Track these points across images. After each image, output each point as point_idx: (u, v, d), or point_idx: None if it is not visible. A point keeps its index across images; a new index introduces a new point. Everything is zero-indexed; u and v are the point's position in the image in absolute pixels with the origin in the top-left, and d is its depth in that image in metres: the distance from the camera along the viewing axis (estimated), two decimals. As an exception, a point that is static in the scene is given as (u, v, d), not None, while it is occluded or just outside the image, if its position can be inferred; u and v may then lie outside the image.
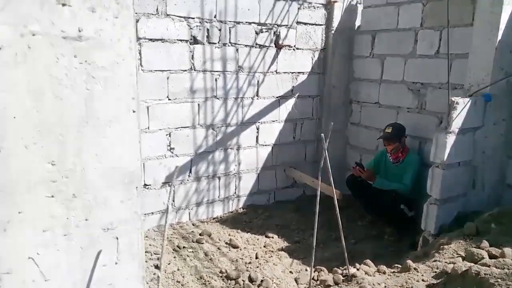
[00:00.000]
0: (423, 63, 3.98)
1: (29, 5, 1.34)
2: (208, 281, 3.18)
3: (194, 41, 3.84)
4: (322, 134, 2.17)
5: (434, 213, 3.21)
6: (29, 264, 1.53)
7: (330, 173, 2.35)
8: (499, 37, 3.03)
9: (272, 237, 4.06)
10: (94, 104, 1.52)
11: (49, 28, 1.38)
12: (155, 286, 2.97)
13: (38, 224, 1.54)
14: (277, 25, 4.27)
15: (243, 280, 3.13)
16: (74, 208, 1.60)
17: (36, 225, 1.53)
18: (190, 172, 4.18)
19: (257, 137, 4.50)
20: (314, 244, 2.56)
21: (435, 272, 2.65)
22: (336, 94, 4.78)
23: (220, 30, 3.95)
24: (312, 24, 4.52)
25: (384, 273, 2.86)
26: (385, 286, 2.63)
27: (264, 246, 3.90)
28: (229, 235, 4.03)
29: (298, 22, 4.41)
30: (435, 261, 2.78)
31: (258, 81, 4.33)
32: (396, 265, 2.96)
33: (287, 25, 4.34)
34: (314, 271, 3.45)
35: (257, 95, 4.36)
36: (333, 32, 4.58)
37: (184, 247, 3.75)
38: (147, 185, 3.90)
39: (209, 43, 3.92)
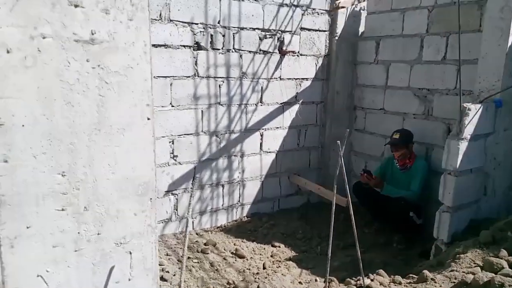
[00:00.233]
0: (429, 69, 3.93)
1: (40, 6, 1.26)
2: (216, 293, 3.08)
3: (198, 47, 3.77)
4: (338, 142, 2.10)
5: (446, 221, 3.14)
6: (38, 282, 1.43)
7: (346, 181, 2.27)
8: (510, 43, 2.99)
9: (279, 246, 3.97)
10: (107, 111, 1.44)
11: (61, 31, 1.29)
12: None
13: (48, 240, 1.44)
14: (281, 31, 4.21)
15: (252, 292, 3.04)
16: (86, 221, 1.50)
17: (45, 241, 1.43)
18: (194, 180, 4.08)
19: (261, 144, 4.42)
20: (330, 254, 2.46)
21: (453, 282, 2.57)
22: (340, 101, 4.72)
23: (224, 36, 3.88)
24: (316, 30, 4.47)
25: (400, 284, 2.77)
26: (402, 298, 2.55)
27: (271, 256, 3.81)
28: (234, 244, 3.94)
29: (302, 28, 4.36)
30: (452, 271, 2.70)
31: (262, 88, 4.26)
32: (411, 275, 2.87)
33: (291, 31, 4.29)
34: (324, 281, 3.36)
35: (261, 102, 4.29)
36: (336, 38, 4.53)
37: (189, 257, 3.66)
38: (150, 194, 3.79)
39: (213, 49, 3.86)
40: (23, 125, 1.31)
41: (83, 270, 1.52)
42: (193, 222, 4.18)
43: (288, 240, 4.13)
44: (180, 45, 3.67)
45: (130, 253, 1.64)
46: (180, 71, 3.72)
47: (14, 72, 1.26)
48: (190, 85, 3.82)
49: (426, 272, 2.72)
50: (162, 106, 3.70)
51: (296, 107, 4.55)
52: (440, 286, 2.58)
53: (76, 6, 1.30)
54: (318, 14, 4.42)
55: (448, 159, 3.04)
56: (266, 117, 4.35)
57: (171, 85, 3.72)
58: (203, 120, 3.99)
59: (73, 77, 1.35)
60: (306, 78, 4.55)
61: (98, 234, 1.54)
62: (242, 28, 3.98)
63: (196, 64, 3.80)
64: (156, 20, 3.48)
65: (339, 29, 4.51)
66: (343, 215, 4.51)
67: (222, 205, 4.33)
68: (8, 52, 1.22)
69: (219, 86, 3.99)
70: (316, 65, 4.57)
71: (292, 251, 3.93)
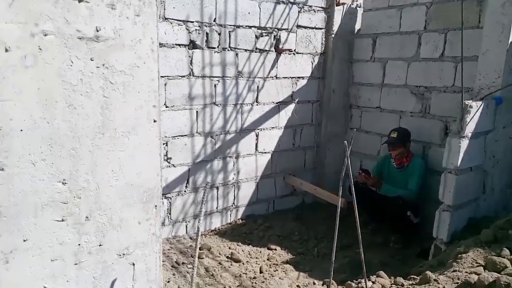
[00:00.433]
0: (427, 67, 3.91)
1: (41, 1, 1.16)
2: (212, 299, 3.00)
3: (193, 45, 3.66)
4: (346, 142, 2.03)
5: (446, 220, 3.11)
6: (38, 299, 1.33)
7: (352, 182, 2.21)
8: (511, 39, 2.97)
9: (275, 249, 3.90)
10: (111, 113, 1.34)
11: (63, 27, 1.19)
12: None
13: (46, 253, 1.34)
14: (277, 29, 4.14)
15: (250, 297, 2.96)
16: (87, 232, 1.41)
17: (43, 254, 1.34)
18: (188, 182, 3.98)
19: (256, 144, 4.34)
20: (333, 258, 2.40)
21: (457, 283, 2.53)
22: (336, 99, 4.67)
23: (219, 34, 3.79)
24: (312, 28, 4.40)
25: (402, 285, 2.73)
26: (407, 301, 2.50)
27: (268, 259, 3.74)
28: (229, 248, 3.85)
29: (298, 26, 4.29)
30: (454, 271, 2.67)
31: (258, 87, 4.18)
32: (413, 276, 2.84)
33: (287, 29, 4.21)
34: (323, 285, 3.31)
35: (256, 101, 4.21)
36: (333, 36, 4.48)
37: (183, 263, 3.56)
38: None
39: (208, 47, 3.76)
40: (21, 130, 1.21)
41: (84, 285, 1.43)
42: (186, 226, 4.08)
43: (284, 242, 4.06)
44: (175, 44, 3.56)
45: (133, 264, 1.55)
46: (175, 70, 3.62)
47: (13, 72, 1.15)
48: (185, 85, 3.72)
49: (428, 273, 2.68)
50: (156, 106, 3.58)
51: (292, 106, 4.48)
52: (444, 287, 2.55)
53: (80, 0, 1.21)
54: (315, 11, 4.36)
55: (449, 157, 3.01)
56: (261, 117, 4.27)
57: (165, 85, 3.61)
58: (198, 120, 3.89)
59: (76, 77, 1.25)
60: (302, 77, 4.48)
61: (100, 245, 1.45)
62: (238, 26, 3.89)
63: (191, 63, 3.70)
64: (149, 17, 3.37)
65: (335, 27, 4.46)
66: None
67: (217, 207, 4.23)
68: (6, 50, 1.12)
69: (215, 85, 3.90)
70: (312, 63, 4.51)
71: (289, 254, 3.86)
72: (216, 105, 3.96)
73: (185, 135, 3.84)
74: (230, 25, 3.83)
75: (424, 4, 3.87)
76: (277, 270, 3.53)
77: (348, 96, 4.76)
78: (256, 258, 3.74)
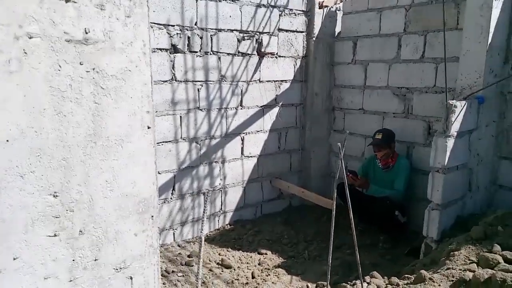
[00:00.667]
0: (408, 68, 3.96)
1: (25, 1, 1.08)
2: (206, 308, 2.92)
3: (175, 50, 3.59)
4: (339, 144, 2.01)
5: (436, 219, 3.14)
6: (29, 323, 1.24)
7: (346, 183, 2.18)
8: (490, 40, 3.04)
9: (266, 254, 3.85)
10: (103, 121, 1.27)
11: (50, 29, 1.11)
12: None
13: (38, 271, 1.25)
14: (259, 32, 4.11)
15: (244, 304, 2.90)
16: (81, 247, 1.32)
17: (35, 272, 1.24)
18: (174, 189, 3.89)
19: (242, 148, 4.29)
20: (330, 261, 2.37)
21: (452, 281, 2.54)
22: (319, 102, 4.68)
23: (201, 38, 3.73)
24: (293, 31, 4.40)
25: (398, 285, 2.72)
26: (404, 301, 2.49)
27: (259, 264, 3.69)
28: (219, 254, 3.79)
29: (279, 29, 4.28)
30: (448, 269, 2.68)
31: (241, 91, 4.14)
32: (407, 275, 2.84)
33: (269, 33, 4.19)
34: (316, 287, 3.28)
35: (241, 105, 4.16)
36: (314, 39, 4.49)
37: (173, 271, 3.47)
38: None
39: (190, 51, 3.69)
40: (7, 140, 1.12)
41: (80, 302, 1.34)
42: (174, 234, 3.98)
43: (274, 246, 4.02)
44: (156, 48, 3.48)
45: (131, 278, 1.47)
46: (156, 75, 3.53)
47: (-3, 78, 1.07)
48: (167, 89, 3.63)
49: (423, 272, 2.69)
50: (139, 113, 3.49)
51: (276, 110, 4.45)
52: (439, 285, 2.55)
53: (67, 1, 1.13)
54: (296, 14, 4.36)
55: (436, 156, 3.04)
56: (246, 121, 4.23)
57: (148, 90, 3.51)
58: (182, 126, 3.81)
59: (64, 83, 1.17)
60: (285, 80, 4.47)
61: (96, 260, 1.37)
62: (220, 30, 3.84)
63: (173, 67, 3.62)
64: (130, 22, 3.28)
65: (316, 30, 4.47)
66: (326, 216, 4.47)
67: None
68: (-11, 54, 1.03)
69: (198, 90, 3.83)
70: (294, 67, 4.51)
71: (280, 258, 3.83)
72: (200, 109, 3.89)
73: (169, 141, 3.76)
74: (212, 29, 3.78)
75: (403, 7, 3.93)
76: (269, 274, 3.49)
77: (331, 99, 4.77)
78: (247, 263, 3.69)
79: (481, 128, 3.25)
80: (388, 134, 3.93)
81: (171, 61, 3.59)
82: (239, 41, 3.99)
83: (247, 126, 4.25)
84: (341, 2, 4.40)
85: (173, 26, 3.54)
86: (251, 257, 3.78)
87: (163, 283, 3.28)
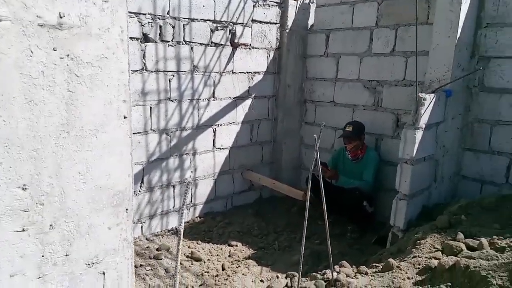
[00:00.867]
0: (379, 61, 4.04)
1: (-7, -20, 1.00)
2: (175, 300, 2.88)
3: (146, 39, 3.49)
4: (315, 135, 2.02)
5: (403, 209, 3.23)
6: (-3, 322, 1.18)
7: (321, 175, 2.20)
8: (458, 35, 3.14)
9: (236, 245, 3.86)
10: (77, 110, 1.21)
11: (21, 12, 1.04)
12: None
13: (4, 268, 1.19)
14: (232, 23, 4.06)
15: (213, 296, 2.89)
16: (51, 242, 1.26)
17: (1, 270, 1.18)
18: (142, 182, 3.81)
19: (214, 140, 4.25)
20: (303, 251, 2.39)
21: (418, 268, 2.64)
22: (291, 94, 4.70)
23: (173, 27, 3.64)
24: (267, 23, 4.38)
25: (366, 274, 2.79)
26: (373, 289, 2.56)
27: (229, 256, 3.69)
28: (189, 247, 3.76)
29: (253, 20, 4.24)
30: (414, 257, 2.78)
31: (214, 82, 4.09)
32: (375, 264, 2.92)
33: (242, 23, 4.15)
34: (286, 277, 3.31)
35: (213, 96, 4.12)
36: (287, 31, 4.48)
37: (141, 265, 3.41)
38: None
39: (162, 41, 3.60)
40: (-28, 130, 1.05)
41: (51, 300, 1.29)
42: (142, 227, 3.91)
43: (244, 237, 4.03)
44: (127, 36, 3.36)
45: (104, 273, 1.42)
46: (126, 64, 3.42)
47: (-39, 63, 0.99)
48: (137, 80, 3.53)
49: (391, 260, 2.77)
50: (108, 103, 3.37)
51: (249, 102, 4.44)
52: (406, 273, 2.64)
53: (39, -18, 1.06)
54: (269, 6, 4.34)
55: (405, 148, 3.13)
56: (219, 113, 4.19)
57: (117, 79, 3.40)
58: (152, 117, 3.72)
59: (36, 69, 1.10)
60: (258, 72, 4.45)
61: (67, 255, 1.32)
62: (193, 20, 3.76)
63: (144, 57, 3.52)
64: (98, 7, 3.15)
65: (289, 22, 4.47)
66: (296, 207, 4.53)
67: (173, 207, 4.10)
68: (-46, 37, 0.95)
69: (169, 80, 3.75)
70: (267, 58, 4.49)
71: (250, 249, 3.84)
72: (171, 100, 3.81)
73: (138, 133, 3.66)
74: (185, 18, 3.70)
75: (375, 1, 3.99)
76: (239, 266, 3.49)
77: (303, 91, 4.80)
78: (217, 255, 3.68)
79: (447, 121, 3.37)
80: (358, 127, 4.00)
81: (141, 50, 3.49)
82: (212, 31, 3.93)
83: (220, 117, 4.21)
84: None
85: (145, 14, 3.43)
86: (221, 249, 3.77)
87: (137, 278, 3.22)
